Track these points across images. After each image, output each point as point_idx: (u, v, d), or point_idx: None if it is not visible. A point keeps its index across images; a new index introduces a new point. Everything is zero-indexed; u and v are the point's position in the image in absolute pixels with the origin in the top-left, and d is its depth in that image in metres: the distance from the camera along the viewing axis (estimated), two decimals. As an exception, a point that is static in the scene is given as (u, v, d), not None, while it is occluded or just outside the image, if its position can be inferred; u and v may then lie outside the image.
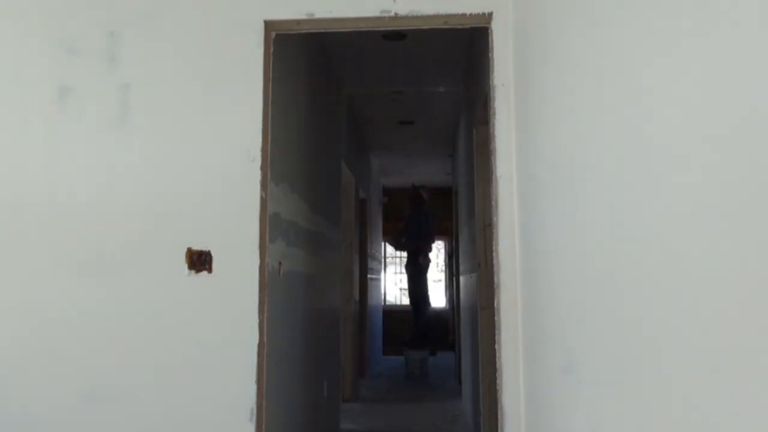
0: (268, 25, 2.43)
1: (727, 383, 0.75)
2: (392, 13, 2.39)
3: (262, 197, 2.33)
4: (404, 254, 8.51)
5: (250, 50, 2.39)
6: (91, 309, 2.31)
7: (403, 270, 9.94)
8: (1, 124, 2.41)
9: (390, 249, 10.87)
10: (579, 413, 1.43)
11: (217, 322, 2.28)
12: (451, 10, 2.39)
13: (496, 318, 2.29)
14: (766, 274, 0.67)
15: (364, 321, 6.87)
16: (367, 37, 3.95)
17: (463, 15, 2.39)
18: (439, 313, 9.37)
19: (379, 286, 9.25)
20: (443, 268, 10.88)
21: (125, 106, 2.38)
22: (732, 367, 0.74)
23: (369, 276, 7.36)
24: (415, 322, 8.03)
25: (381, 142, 7.39)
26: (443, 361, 8.14)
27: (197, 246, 2.30)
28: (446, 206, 8.12)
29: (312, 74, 3.72)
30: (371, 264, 7.74)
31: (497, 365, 2.27)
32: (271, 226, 2.43)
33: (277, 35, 2.48)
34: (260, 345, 2.27)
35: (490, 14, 2.39)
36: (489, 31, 2.41)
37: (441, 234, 9.22)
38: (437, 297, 10.08)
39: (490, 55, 2.42)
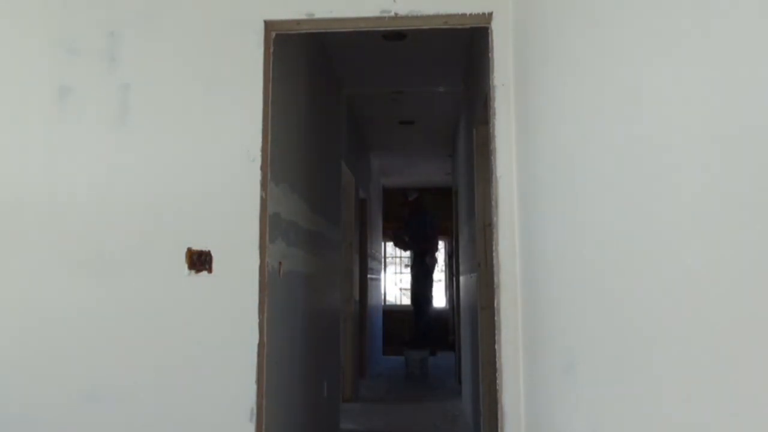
0: (268, 25, 2.43)
1: (726, 383, 0.75)
2: (392, 13, 2.39)
3: (262, 197, 2.33)
4: (405, 254, 8.51)
5: (250, 50, 2.39)
6: (91, 309, 2.31)
7: (404, 270, 9.94)
8: (1, 124, 2.41)
9: (390, 249, 10.87)
10: (579, 413, 1.43)
11: (217, 322, 2.28)
12: (451, 10, 2.39)
13: (496, 318, 2.29)
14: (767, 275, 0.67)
15: (364, 321, 6.87)
16: (367, 37, 3.95)
17: (463, 15, 2.39)
18: (439, 313, 9.37)
19: (379, 286, 9.25)
20: (443, 268, 10.88)
21: (125, 106, 2.38)
22: (731, 367, 0.74)
23: (369, 276, 7.36)
24: (416, 322, 8.03)
25: (381, 142, 7.39)
26: (443, 361, 8.14)
27: (197, 246, 2.30)
28: (446, 206, 8.12)
29: (312, 74, 3.72)
30: (371, 264, 7.74)
31: (497, 365, 2.27)
32: (271, 226, 2.43)
33: (277, 35, 2.48)
34: (260, 345, 2.27)
35: (490, 14, 2.39)
36: (489, 31, 2.41)
37: (441, 234, 9.22)
38: (438, 297, 10.08)
39: (490, 55, 2.42)
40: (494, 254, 2.34)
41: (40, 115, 2.41)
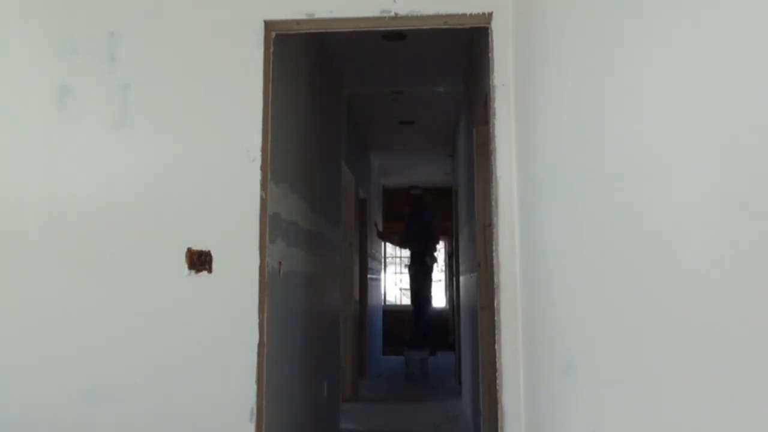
0: (268, 25, 2.43)
1: (726, 383, 0.75)
2: (392, 13, 2.39)
3: (262, 197, 2.33)
4: (406, 253, 8.51)
5: (250, 50, 2.39)
6: (91, 309, 2.31)
7: (404, 270, 9.93)
8: (1, 124, 2.41)
9: (390, 249, 10.87)
10: (578, 413, 1.43)
11: (217, 322, 2.28)
12: (451, 10, 2.39)
13: (496, 318, 2.29)
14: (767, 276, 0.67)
15: (364, 321, 6.87)
16: (367, 37, 3.95)
17: (463, 15, 2.39)
18: (439, 313, 9.37)
19: (379, 286, 9.25)
20: (443, 268, 10.88)
21: (125, 106, 2.38)
22: (731, 367, 0.74)
23: (369, 276, 7.36)
24: (416, 322, 8.02)
25: (381, 142, 7.39)
26: (443, 361, 8.14)
27: (197, 246, 2.30)
28: (446, 206, 8.12)
29: (312, 74, 3.72)
30: (371, 264, 7.74)
31: (497, 365, 2.27)
32: (271, 226, 2.43)
33: (277, 35, 2.48)
34: (260, 345, 2.27)
35: (490, 14, 2.39)
36: (489, 31, 2.41)
37: (441, 234, 9.22)
38: (438, 297, 10.08)
39: (490, 55, 2.42)
40: (494, 254, 2.34)
41: (40, 115, 2.41)
